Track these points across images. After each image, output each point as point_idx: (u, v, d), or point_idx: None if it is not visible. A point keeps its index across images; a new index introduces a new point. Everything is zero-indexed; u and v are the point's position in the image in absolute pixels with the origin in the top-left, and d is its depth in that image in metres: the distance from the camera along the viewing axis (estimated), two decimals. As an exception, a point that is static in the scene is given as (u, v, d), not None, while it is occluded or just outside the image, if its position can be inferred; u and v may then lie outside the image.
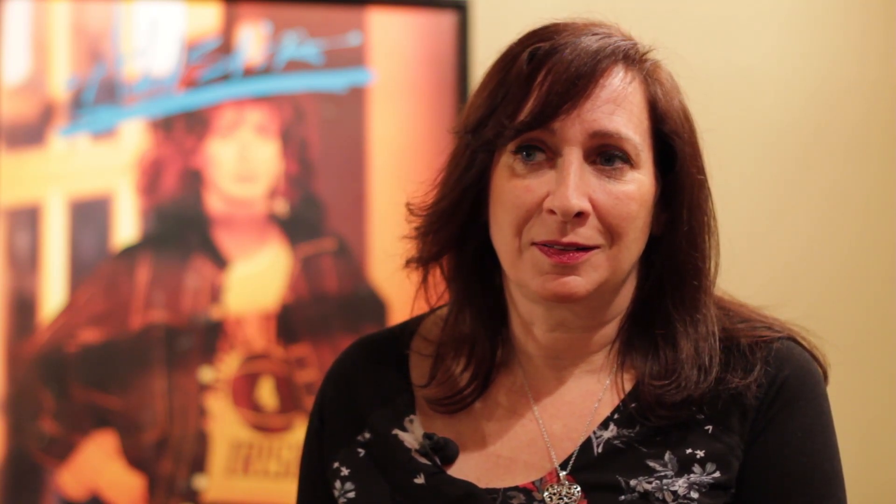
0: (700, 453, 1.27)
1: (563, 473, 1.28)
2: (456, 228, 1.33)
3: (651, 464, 1.27)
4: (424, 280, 1.37)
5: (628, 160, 1.27)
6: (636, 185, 1.27)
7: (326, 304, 2.64)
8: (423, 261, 1.36)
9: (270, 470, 2.61)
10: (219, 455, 2.60)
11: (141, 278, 2.58)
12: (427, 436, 1.33)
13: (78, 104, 2.57)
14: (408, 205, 1.36)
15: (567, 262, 1.25)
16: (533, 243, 1.26)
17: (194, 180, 2.61)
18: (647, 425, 1.29)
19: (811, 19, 2.84)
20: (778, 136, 2.82)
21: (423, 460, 1.32)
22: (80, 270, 2.56)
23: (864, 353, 2.80)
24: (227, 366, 2.61)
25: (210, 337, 2.60)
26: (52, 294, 2.56)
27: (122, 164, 2.59)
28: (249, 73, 2.63)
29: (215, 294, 2.61)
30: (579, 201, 1.24)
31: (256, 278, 2.63)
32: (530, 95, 1.26)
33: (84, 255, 2.57)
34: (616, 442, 1.29)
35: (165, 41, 2.61)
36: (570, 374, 1.34)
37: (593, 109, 1.25)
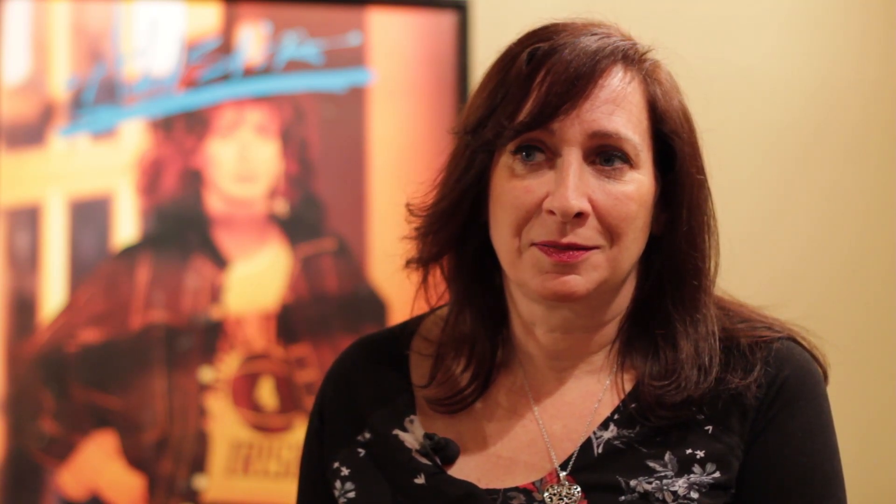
0: (700, 453, 1.27)
1: (563, 474, 1.28)
2: (456, 229, 1.33)
3: (651, 464, 1.27)
4: (424, 280, 1.38)
5: (628, 160, 1.27)
6: (635, 186, 1.27)
7: (326, 304, 2.64)
8: (423, 261, 1.36)
9: (270, 470, 2.61)
10: (219, 455, 2.60)
11: (141, 278, 2.58)
12: (427, 436, 1.33)
13: (78, 104, 2.57)
14: (408, 205, 1.36)
15: (567, 260, 1.25)
16: (533, 243, 1.26)
17: (194, 180, 2.61)
18: (647, 425, 1.29)
19: (811, 19, 2.84)
20: (778, 136, 2.82)
21: (424, 460, 1.32)
22: (80, 270, 2.56)
23: (864, 353, 2.80)
24: (227, 366, 2.61)
25: (210, 337, 2.60)
26: (52, 294, 2.56)
27: (122, 164, 2.59)
28: (249, 73, 2.63)
29: (215, 294, 2.61)
30: (578, 202, 1.24)
31: (256, 278, 2.63)
32: (529, 96, 1.26)
33: (84, 255, 2.57)
34: (616, 442, 1.29)
35: (165, 41, 2.61)
36: (570, 374, 1.34)
37: (592, 110, 1.25)
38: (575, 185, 1.24)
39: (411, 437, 1.34)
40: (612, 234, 1.26)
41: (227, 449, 2.60)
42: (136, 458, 2.57)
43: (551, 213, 1.24)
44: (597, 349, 1.34)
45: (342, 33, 2.66)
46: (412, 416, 1.35)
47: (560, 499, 1.27)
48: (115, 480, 2.57)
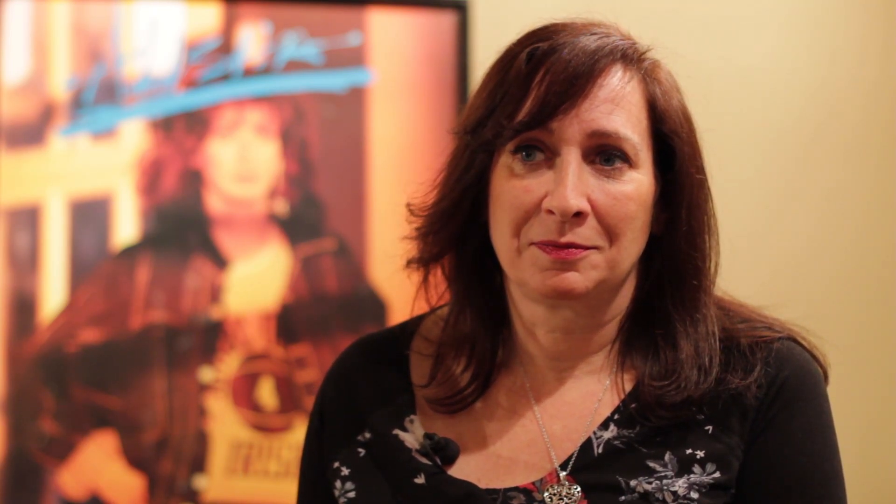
0: (700, 453, 1.27)
1: (563, 474, 1.28)
2: (456, 229, 1.33)
3: (651, 464, 1.27)
4: (425, 280, 1.38)
5: (627, 160, 1.27)
6: (635, 186, 1.27)
7: (326, 304, 2.64)
8: (423, 261, 1.36)
9: (270, 470, 2.61)
10: (219, 455, 2.60)
11: (141, 278, 2.58)
12: (428, 436, 1.33)
13: (78, 104, 2.57)
14: (408, 205, 1.36)
15: (566, 257, 1.25)
16: (532, 243, 1.26)
17: (194, 180, 2.61)
18: (647, 426, 1.29)
19: (811, 19, 2.84)
20: (778, 136, 2.82)
21: (424, 460, 1.32)
22: (80, 270, 2.56)
23: (864, 353, 2.80)
24: (227, 366, 2.61)
25: (210, 337, 2.60)
26: (52, 294, 2.56)
27: (122, 164, 2.59)
28: (249, 73, 2.63)
29: (215, 294, 2.61)
30: (577, 201, 1.24)
31: (256, 278, 2.63)
32: (529, 95, 1.26)
33: (84, 255, 2.57)
34: (616, 442, 1.29)
35: (165, 41, 2.61)
36: (570, 374, 1.34)
37: (591, 109, 1.25)
38: (574, 184, 1.24)
39: (411, 436, 1.34)
40: (610, 234, 1.26)
41: (227, 449, 2.60)
42: (136, 458, 2.57)
43: (550, 212, 1.24)
44: (597, 349, 1.34)
45: (342, 33, 2.66)
46: (412, 416, 1.35)
47: (560, 499, 1.27)
48: (115, 480, 2.57)
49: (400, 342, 1.41)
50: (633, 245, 1.28)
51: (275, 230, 2.64)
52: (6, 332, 2.54)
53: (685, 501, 1.25)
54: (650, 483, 1.26)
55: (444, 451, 1.32)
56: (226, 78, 2.62)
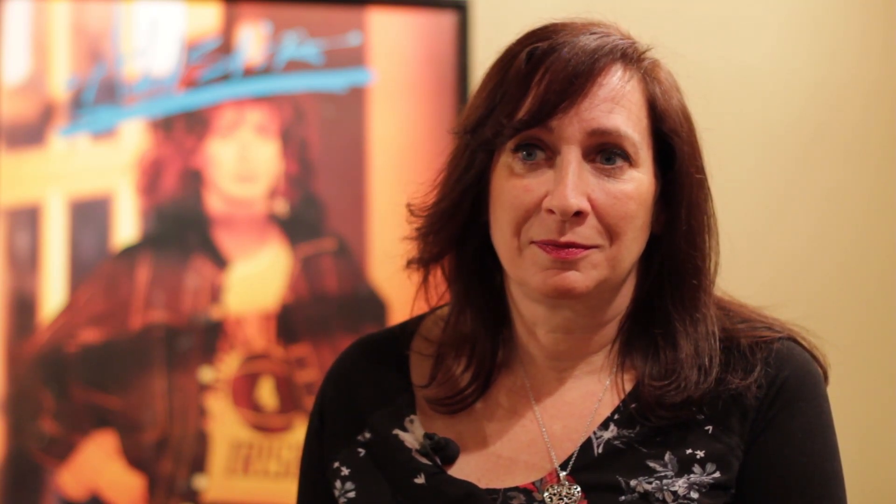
0: (700, 453, 1.27)
1: (563, 474, 1.28)
2: (456, 229, 1.33)
3: (651, 464, 1.27)
4: (425, 280, 1.38)
5: (627, 158, 1.26)
6: (635, 185, 1.27)
7: (326, 304, 2.64)
8: (423, 261, 1.36)
9: (270, 470, 2.61)
10: (219, 455, 2.60)
11: (141, 278, 2.58)
12: (428, 436, 1.32)
13: (78, 104, 2.57)
14: (408, 205, 1.36)
15: (566, 257, 1.25)
16: (532, 242, 1.26)
17: (194, 180, 2.61)
18: (647, 425, 1.29)
19: (811, 19, 2.84)
20: (778, 136, 2.82)
21: (424, 460, 1.32)
22: (80, 270, 2.56)
23: (864, 353, 2.79)
24: (227, 366, 2.61)
25: (210, 337, 2.60)
26: (52, 294, 2.56)
27: (122, 164, 2.59)
28: (249, 73, 2.63)
29: (215, 294, 2.61)
30: (577, 201, 1.24)
31: (256, 278, 2.63)
32: (528, 94, 1.26)
33: (84, 255, 2.57)
34: (616, 442, 1.29)
35: (165, 41, 2.61)
36: (570, 374, 1.34)
37: (591, 108, 1.25)
38: (574, 183, 1.24)
39: (411, 436, 1.34)
40: (611, 233, 1.26)
41: (227, 449, 2.60)
42: (136, 458, 2.57)
43: (550, 212, 1.24)
44: (597, 349, 1.34)
45: (342, 33, 2.66)
46: (412, 416, 1.35)
47: (560, 499, 1.27)
48: (115, 480, 2.57)
49: (400, 342, 1.41)
50: (633, 244, 1.28)
51: (275, 230, 2.64)
52: (6, 332, 2.54)
53: (685, 501, 1.25)
54: (650, 483, 1.26)
55: (444, 451, 1.32)
56: (226, 78, 2.62)
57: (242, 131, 2.63)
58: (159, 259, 2.59)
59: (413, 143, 2.66)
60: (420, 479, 1.31)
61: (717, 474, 1.27)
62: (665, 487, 1.26)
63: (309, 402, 2.58)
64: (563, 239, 1.24)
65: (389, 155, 2.66)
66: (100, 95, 2.58)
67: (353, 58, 2.66)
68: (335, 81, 2.65)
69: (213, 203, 2.62)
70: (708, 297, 1.33)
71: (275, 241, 2.64)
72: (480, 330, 1.35)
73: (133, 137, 2.59)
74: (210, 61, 2.62)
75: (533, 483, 1.28)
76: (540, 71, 1.26)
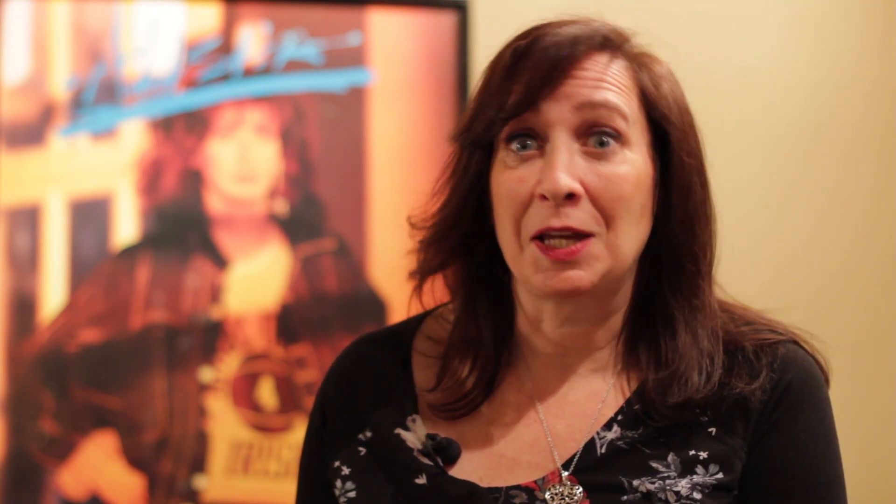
0: (703, 454, 1.27)
1: (565, 474, 1.28)
2: (461, 235, 1.33)
3: (654, 464, 1.27)
4: (419, 288, 1.37)
5: (619, 138, 1.26)
6: (629, 167, 1.26)
7: (326, 304, 2.64)
8: (430, 271, 1.36)
9: (270, 470, 2.61)
10: (219, 455, 2.60)
11: (141, 278, 2.58)
12: (430, 436, 1.32)
13: (78, 104, 2.57)
14: (408, 219, 1.36)
15: (565, 258, 1.25)
16: (532, 238, 1.26)
17: (194, 180, 2.61)
18: (650, 426, 1.29)
19: (811, 19, 2.84)
20: (778, 136, 2.82)
21: (425, 460, 1.31)
22: (80, 270, 2.56)
23: (864, 354, 2.80)
24: (227, 366, 2.61)
25: (210, 337, 2.60)
26: (52, 294, 2.56)
27: (122, 164, 2.59)
28: (249, 73, 2.63)
29: (215, 294, 2.61)
30: (568, 182, 1.23)
31: (256, 278, 2.63)
32: (514, 85, 1.26)
33: (84, 255, 2.57)
34: (619, 443, 1.29)
35: (165, 41, 2.61)
36: (575, 372, 1.34)
37: (578, 87, 1.26)
38: (564, 165, 1.24)
39: (413, 436, 1.33)
40: (606, 217, 1.25)
41: (227, 449, 2.60)
42: (136, 458, 2.57)
43: (543, 198, 1.24)
44: (603, 343, 1.34)
45: (342, 33, 2.66)
46: (414, 416, 1.35)
47: (562, 499, 1.26)
48: (115, 480, 2.57)
49: (402, 340, 1.41)
50: (631, 229, 1.27)
51: (275, 230, 2.64)
52: (6, 332, 2.54)
53: (688, 502, 1.25)
54: (653, 483, 1.26)
55: (446, 452, 1.31)
56: (226, 78, 2.62)
57: (242, 131, 2.63)
58: (159, 259, 2.59)
59: (413, 143, 2.66)
60: (421, 480, 1.30)
61: (720, 475, 1.27)
62: (668, 488, 1.25)
63: (309, 402, 2.58)
64: (559, 224, 1.24)
65: (389, 155, 2.66)
66: (100, 95, 2.58)
67: (353, 58, 2.66)
68: (335, 81, 2.65)
69: (213, 203, 2.62)
70: (706, 283, 1.32)
71: (275, 241, 2.64)
72: (487, 334, 1.35)
73: (133, 137, 2.59)
74: (210, 61, 2.62)
75: (535, 482, 1.28)
76: (524, 62, 1.27)
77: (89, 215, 2.57)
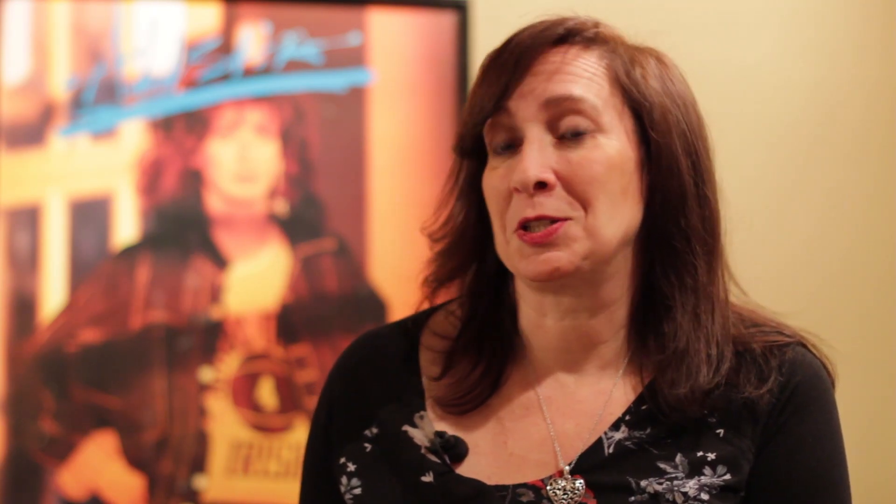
0: (711, 455, 1.28)
1: (566, 469, 1.28)
2: (471, 242, 1.35)
3: (662, 465, 1.27)
4: (432, 296, 1.39)
5: (590, 125, 1.27)
6: (601, 150, 1.27)
7: (326, 304, 2.64)
8: (444, 279, 1.38)
9: (270, 470, 2.61)
10: (219, 455, 2.60)
11: (141, 278, 2.58)
12: (438, 434, 1.32)
13: (78, 104, 2.57)
14: (423, 230, 1.38)
15: (540, 241, 1.26)
16: (514, 231, 1.28)
17: (194, 180, 2.61)
18: (658, 426, 1.29)
19: (811, 18, 2.84)
20: (778, 136, 2.82)
21: (433, 458, 1.31)
22: (80, 270, 2.56)
23: (864, 354, 2.79)
24: (227, 366, 2.61)
25: (210, 337, 2.60)
26: (52, 294, 2.56)
27: (122, 164, 2.59)
28: (249, 73, 2.63)
29: (215, 294, 2.61)
30: (537, 171, 1.25)
31: (256, 278, 2.63)
32: (489, 89, 1.29)
33: (84, 255, 2.57)
34: (627, 443, 1.29)
35: (165, 41, 2.61)
36: (580, 369, 1.34)
37: (543, 82, 1.28)
38: (533, 157, 1.26)
39: (420, 433, 1.33)
40: (581, 200, 1.27)
41: (227, 449, 2.60)
42: (136, 458, 2.57)
43: (517, 190, 1.26)
44: (607, 337, 1.33)
45: (342, 33, 2.66)
46: (422, 412, 1.35)
47: (564, 493, 1.27)
48: (115, 480, 2.57)
49: (409, 336, 1.41)
50: (611, 210, 1.28)
51: (275, 230, 2.64)
52: (6, 332, 2.54)
53: (695, 503, 1.25)
54: (661, 484, 1.26)
55: (454, 450, 1.32)
56: (226, 78, 2.62)
57: (242, 131, 2.63)
58: (159, 259, 2.59)
59: (413, 143, 2.67)
60: (428, 478, 1.30)
61: (728, 476, 1.27)
62: (675, 488, 1.26)
63: (309, 401, 2.58)
64: (533, 213, 1.26)
65: (389, 155, 2.66)
66: (100, 95, 2.58)
67: (353, 58, 2.66)
68: (335, 81, 2.66)
69: (213, 203, 2.62)
70: (702, 263, 1.32)
71: (275, 241, 2.64)
72: (494, 332, 1.36)
73: (133, 137, 2.59)
74: (210, 61, 2.62)
75: (542, 480, 1.28)
76: (495, 66, 1.30)
77: (89, 215, 2.57)
